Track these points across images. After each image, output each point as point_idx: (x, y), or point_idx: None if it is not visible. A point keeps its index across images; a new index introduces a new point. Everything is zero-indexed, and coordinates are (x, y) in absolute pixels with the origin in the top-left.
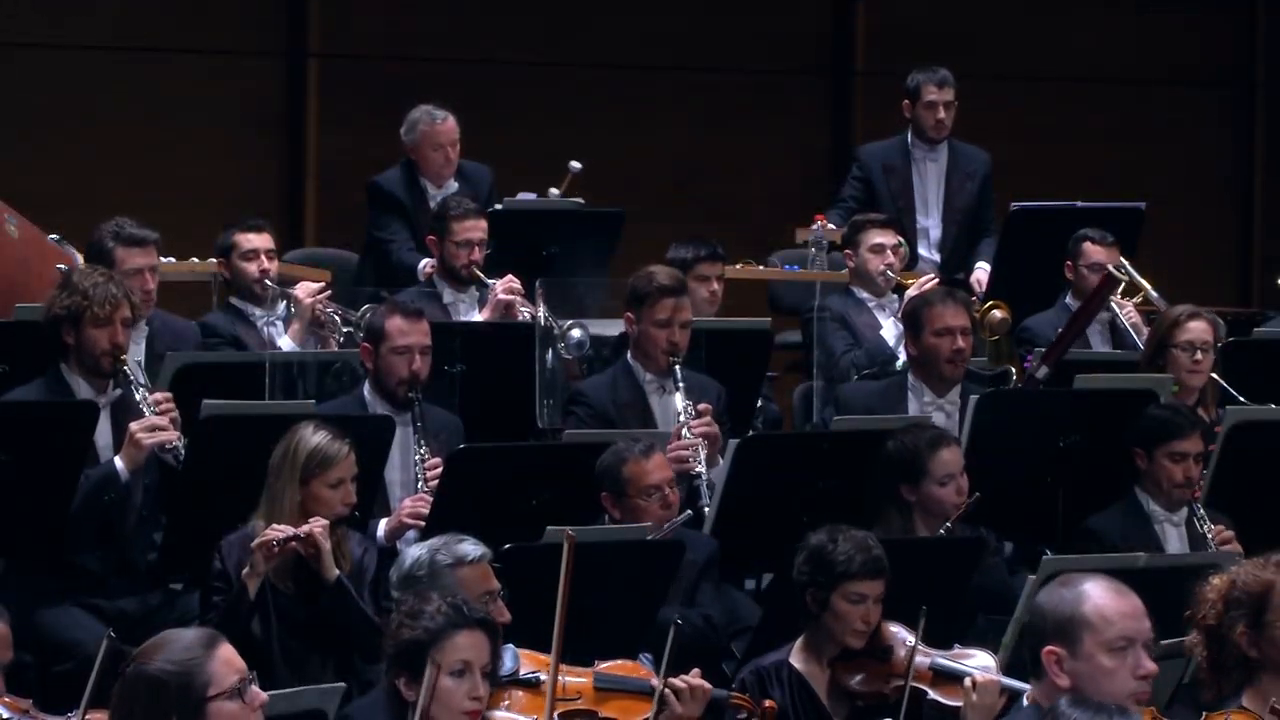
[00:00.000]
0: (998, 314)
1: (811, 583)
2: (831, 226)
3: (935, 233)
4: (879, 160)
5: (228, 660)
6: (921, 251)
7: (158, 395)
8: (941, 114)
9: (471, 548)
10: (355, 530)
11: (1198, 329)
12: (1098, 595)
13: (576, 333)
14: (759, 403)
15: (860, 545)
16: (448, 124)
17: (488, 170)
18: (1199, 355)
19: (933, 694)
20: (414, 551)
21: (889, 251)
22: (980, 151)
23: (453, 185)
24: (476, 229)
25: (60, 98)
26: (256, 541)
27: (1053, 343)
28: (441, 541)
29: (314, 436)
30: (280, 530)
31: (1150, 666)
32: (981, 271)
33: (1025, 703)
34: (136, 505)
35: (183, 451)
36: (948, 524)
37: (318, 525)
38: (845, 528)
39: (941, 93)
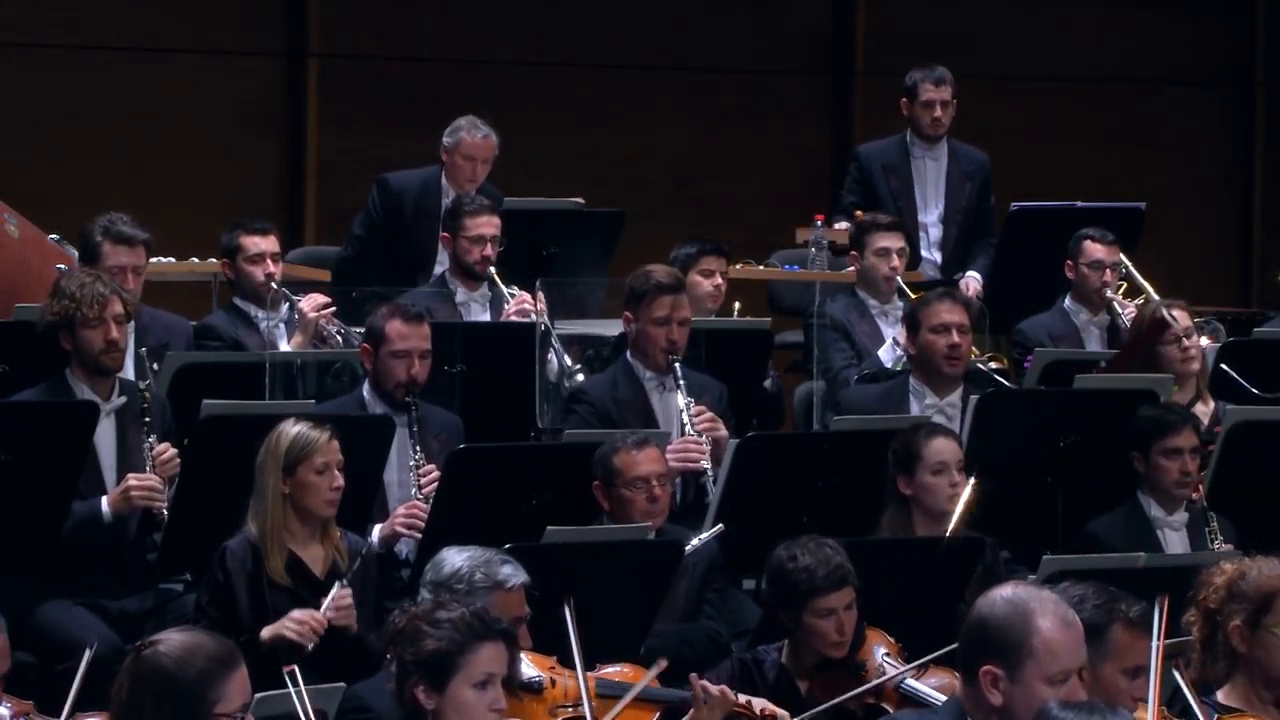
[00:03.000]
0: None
1: (779, 604)
2: (840, 226)
3: (935, 232)
4: (878, 160)
5: (242, 684)
6: (922, 252)
7: (164, 450)
8: (938, 112)
9: (511, 572)
10: (351, 530)
11: (1179, 318)
12: (1046, 627)
13: (580, 377)
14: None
15: (820, 558)
16: (488, 141)
17: (499, 197)
18: (1186, 342)
19: (913, 711)
20: (454, 560)
21: (894, 255)
22: (980, 153)
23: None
24: (489, 225)
25: (60, 98)
26: (272, 635)
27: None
28: (484, 559)
29: (293, 428)
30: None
31: (1082, 697)
32: (973, 280)
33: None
34: (136, 513)
35: (166, 514)
36: (953, 525)
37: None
38: (805, 539)
39: (938, 91)
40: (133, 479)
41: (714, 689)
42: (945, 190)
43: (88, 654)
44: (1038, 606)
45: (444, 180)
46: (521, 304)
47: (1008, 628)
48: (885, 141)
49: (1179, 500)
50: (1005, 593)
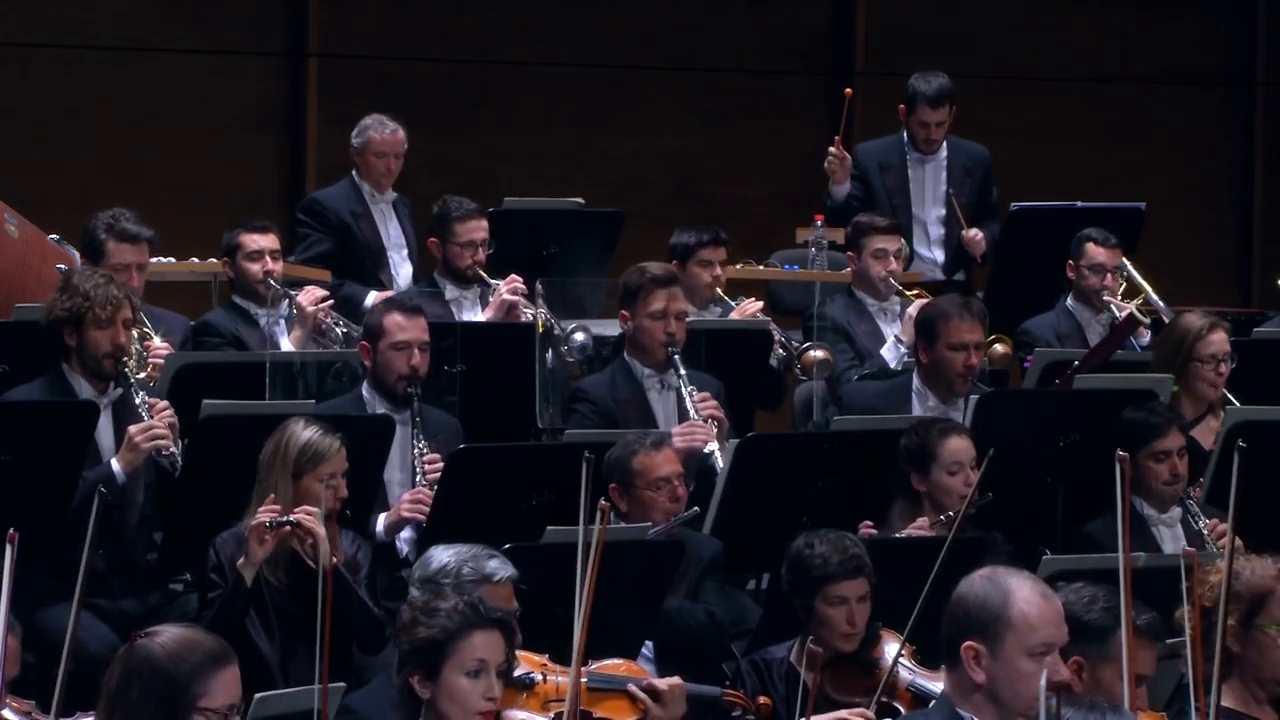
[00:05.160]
0: (999, 349)
1: (794, 590)
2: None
3: (936, 230)
4: (875, 159)
5: (229, 683)
6: (920, 250)
7: (156, 401)
8: (933, 134)
9: (498, 566)
10: (349, 529)
11: (1219, 340)
12: (1024, 599)
13: (580, 336)
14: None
15: (837, 546)
16: (396, 135)
17: (407, 204)
18: (1222, 367)
19: (906, 714)
20: (441, 556)
21: (891, 258)
22: (979, 147)
23: (392, 194)
24: (479, 229)
25: (60, 98)
26: (251, 524)
27: (1065, 374)
28: (470, 554)
29: (305, 432)
30: (272, 512)
31: (1064, 674)
32: (978, 234)
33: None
34: (138, 503)
35: (179, 460)
36: (948, 513)
37: (307, 512)
38: (824, 531)
39: (935, 114)
40: (133, 428)
41: (661, 684)
42: (946, 187)
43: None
44: (1015, 582)
45: (359, 180)
46: (513, 283)
47: (986, 602)
48: (883, 141)
49: (1168, 501)
50: (983, 572)
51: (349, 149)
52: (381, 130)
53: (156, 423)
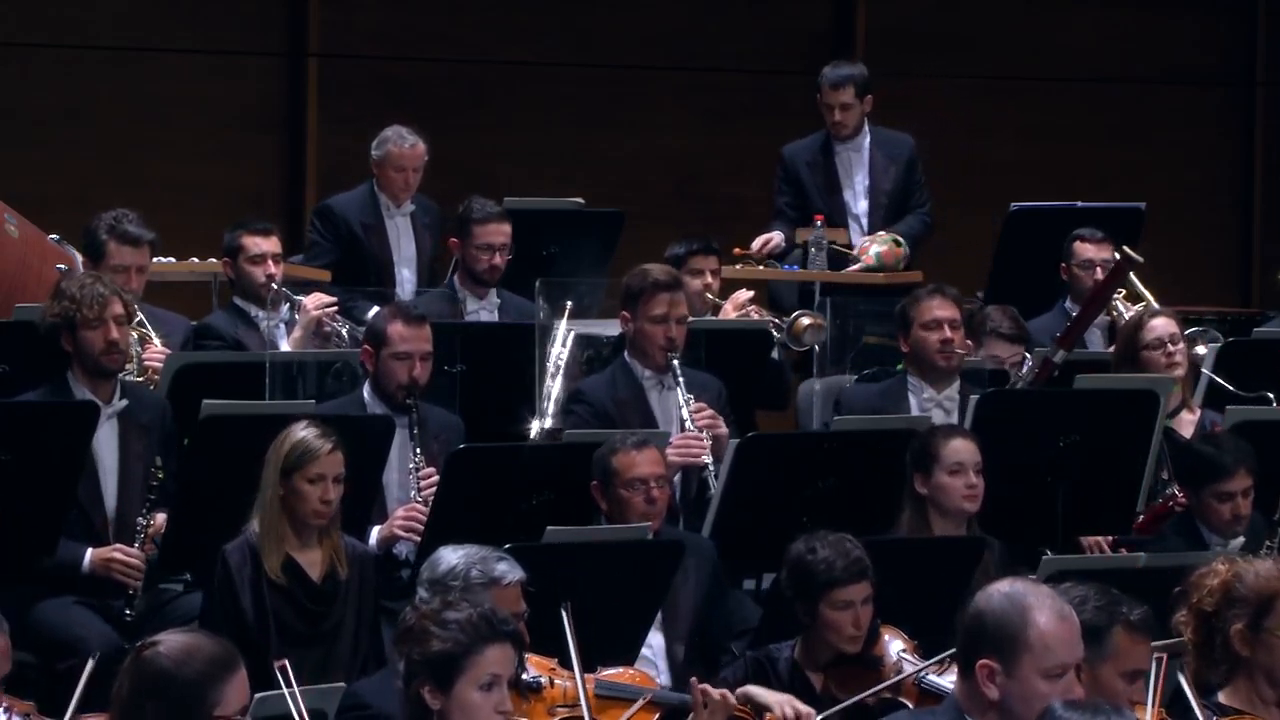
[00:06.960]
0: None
1: (797, 595)
2: (768, 238)
3: (865, 219)
4: (802, 157)
5: (241, 686)
6: (855, 238)
7: (160, 524)
8: (837, 116)
9: (507, 569)
10: (352, 537)
11: (1161, 324)
12: (1043, 620)
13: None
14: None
15: (840, 550)
16: (415, 149)
17: (437, 211)
18: (1170, 348)
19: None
20: (450, 558)
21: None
22: (903, 136)
23: (410, 206)
24: (498, 233)
25: (60, 98)
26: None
27: (1068, 327)
28: (479, 556)
29: (301, 431)
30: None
31: (1079, 692)
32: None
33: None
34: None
35: (140, 593)
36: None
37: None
38: (824, 533)
39: (835, 94)
40: (119, 553)
41: (715, 693)
42: (870, 176)
43: (90, 664)
44: (1034, 601)
45: (377, 191)
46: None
47: (1004, 621)
48: (809, 138)
49: (1231, 535)
50: (1003, 587)
51: (367, 158)
52: (401, 144)
53: (139, 562)
